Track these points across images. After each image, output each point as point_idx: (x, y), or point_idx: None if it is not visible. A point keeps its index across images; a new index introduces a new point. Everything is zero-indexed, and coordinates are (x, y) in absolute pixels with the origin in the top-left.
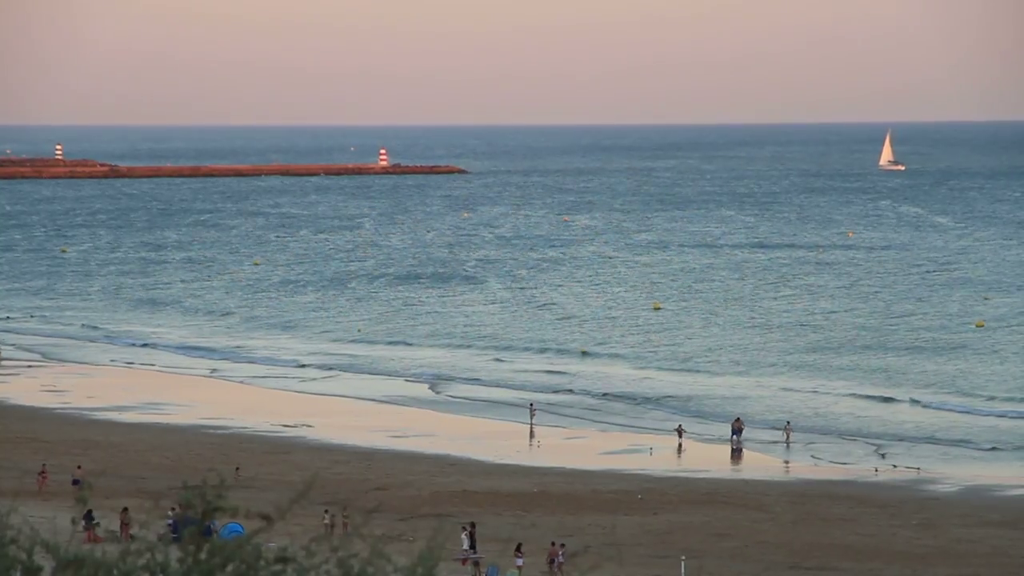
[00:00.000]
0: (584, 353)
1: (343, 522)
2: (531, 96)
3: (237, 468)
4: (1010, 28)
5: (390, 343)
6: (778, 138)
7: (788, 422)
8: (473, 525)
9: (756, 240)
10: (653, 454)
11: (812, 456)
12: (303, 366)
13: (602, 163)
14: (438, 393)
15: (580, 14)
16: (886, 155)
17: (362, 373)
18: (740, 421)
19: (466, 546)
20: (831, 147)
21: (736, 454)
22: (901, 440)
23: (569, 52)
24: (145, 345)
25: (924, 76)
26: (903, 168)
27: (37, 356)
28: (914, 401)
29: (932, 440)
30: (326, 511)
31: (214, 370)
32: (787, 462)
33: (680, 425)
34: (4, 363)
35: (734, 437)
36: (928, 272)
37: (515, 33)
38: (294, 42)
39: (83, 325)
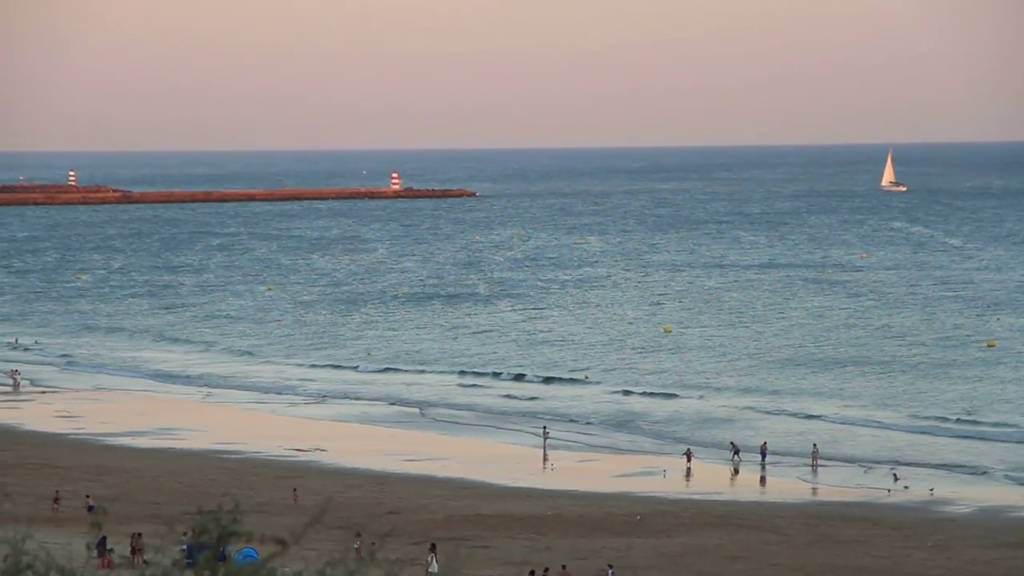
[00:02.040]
0: (594, 377)
1: (356, 547)
2: (541, 119)
3: (295, 490)
4: None
5: (400, 367)
6: (787, 159)
7: (815, 445)
8: (434, 546)
9: (767, 261)
10: (666, 476)
11: (797, 478)
12: (311, 392)
13: (612, 185)
14: (447, 417)
15: (591, 37)
16: (888, 176)
17: (373, 398)
18: (765, 444)
19: (433, 568)
20: (837, 168)
21: (762, 480)
22: (914, 462)
23: (579, 75)
24: (155, 372)
25: (935, 97)
26: (904, 189)
27: (26, 382)
28: (926, 422)
29: (945, 461)
30: (357, 534)
31: (209, 394)
32: (815, 488)
33: (689, 449)
34: (21, 391)
35: (761, 460)
36: (938, 292)
37: (525, 57)
38: (305, 67)
39: (64, 357)
